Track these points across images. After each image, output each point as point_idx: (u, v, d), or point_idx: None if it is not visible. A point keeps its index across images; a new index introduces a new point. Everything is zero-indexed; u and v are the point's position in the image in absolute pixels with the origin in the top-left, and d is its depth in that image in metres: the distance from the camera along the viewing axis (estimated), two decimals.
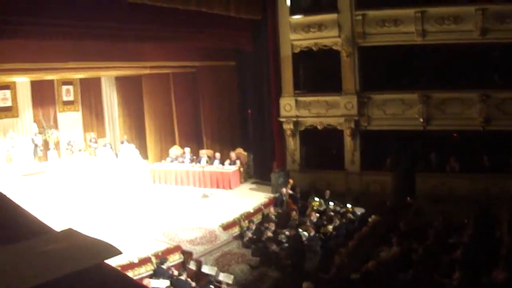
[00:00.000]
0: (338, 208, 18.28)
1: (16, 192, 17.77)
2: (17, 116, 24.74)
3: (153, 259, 14.54)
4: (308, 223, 16.65)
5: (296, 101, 21.93)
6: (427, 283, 10.96)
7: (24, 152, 23.95)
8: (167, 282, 13.24)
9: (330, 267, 12.85)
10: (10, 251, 2.27)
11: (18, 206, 3.25)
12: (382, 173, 20.39)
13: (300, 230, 16.04)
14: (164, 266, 13.94)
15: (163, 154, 25.59)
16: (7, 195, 3.41)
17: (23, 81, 23.89)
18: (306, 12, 21.65)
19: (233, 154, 23.30)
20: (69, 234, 2.52)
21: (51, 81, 25.75)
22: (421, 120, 19.48)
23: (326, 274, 12.73)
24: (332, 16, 20.71)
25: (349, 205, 18.12)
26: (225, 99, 24.88)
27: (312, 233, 15.84)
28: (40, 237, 2.55)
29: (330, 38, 20.92)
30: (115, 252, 2.30)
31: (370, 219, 16.51)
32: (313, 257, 14.69)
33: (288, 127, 22.10)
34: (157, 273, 13.76)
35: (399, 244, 12.82)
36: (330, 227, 16.49)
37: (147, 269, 14.26)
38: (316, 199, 19.01)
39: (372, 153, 20.83)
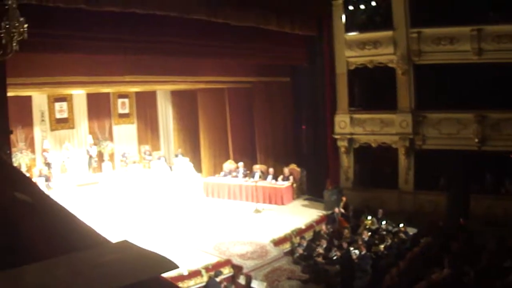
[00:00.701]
0: (390, 228, 18.05)
1: (71, 202, 18.12)
2: (73, 128, 25.27)
3: (203, 272, 14.65)
4: (360, 242, 16.45)
5: (351, 118, 21.85)
6: None
7: (79, 163, 24.44)
8: None
9: (380, 287, 12.74)
10: (66, 261, 2.27)
11: (74, 216, 3.31)
12: (435, 193, 20.04)
13: (352, 248, 15.92)
14: (218, 279, 13.96)
15: (216, 168, 25.82)
16: (63, 205, 3.50)
17: (79, 94, 24.40)
18: (361, 29, 21.62)
19: (286, 170, 23.31)
20: (125, 246, 2.51)
21: (107, 94, 26.27)
22: (476, 140, 19.15)
23: None
24: (388, 34, 20.63)
25: (401, 225, 17.86)
26: (279, 115, 24.93)
27: (363, 252, 15.70)
28: (96, 248, 2.55)
29: (385, 55, 20.85)
30: (172, 265, 2.27)
31: (422, 240, 16.27)
32: (363, 276, 14.56)
33: (342, 144, 22.04)
34: (208, 286, 13.79)
35: (450, 266, 12.62)
36: (382, 247, 16.32)
37: (197, 281, 14.36)
38: (369, 217, 18.81)
39: (426, 173, 20.48)
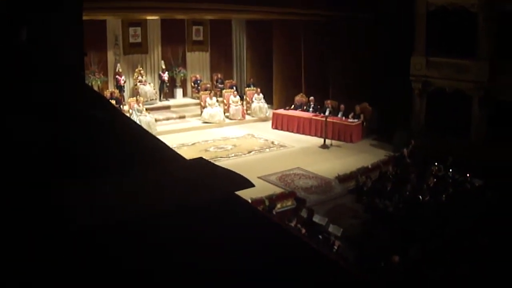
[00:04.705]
0: (457, 176, 17.88)
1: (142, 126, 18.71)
2: (146, 53, 25.96)
3: (266, 202, 14.84)
4: (425, 187, 16.48)
5: (427, 60, 21.37)
6: None
7: (150, 88, 25.10)
8: None
9: (439, 236, 12.84)
10: (143, 176, 2.32)
11: (149, 133, 3.48)
12: (508, 146, 19.55)
13: (416, 193, 15.95)
14: (274, 212, 14.21)
15: (287, 101, 25.88)
16: (137, 123, 3.69)
17: (153, 19, 24.81)
18: None
19: (358, 108, 23.24)
20: (201, 162, 2.55)
21: (182, 21, 26.54)
22: None
23: (435, 241, 12.73)
24: None
25: (468, 175, 17.65)
26: (354, 52, 24.55)
27: (427, 198, 15.73)
28: (171, 164, 2.62)
29: None
30: (247, 184, 2.28)
31: (488, 194, 16.06)
32: (424, 223, 14.65)
33: (416, 86, 21.66)
34: None
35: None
36: (445, 195, 16.27)
37: None
38: (436, 164, 18.66)
39: (500, 125, 19.93)
